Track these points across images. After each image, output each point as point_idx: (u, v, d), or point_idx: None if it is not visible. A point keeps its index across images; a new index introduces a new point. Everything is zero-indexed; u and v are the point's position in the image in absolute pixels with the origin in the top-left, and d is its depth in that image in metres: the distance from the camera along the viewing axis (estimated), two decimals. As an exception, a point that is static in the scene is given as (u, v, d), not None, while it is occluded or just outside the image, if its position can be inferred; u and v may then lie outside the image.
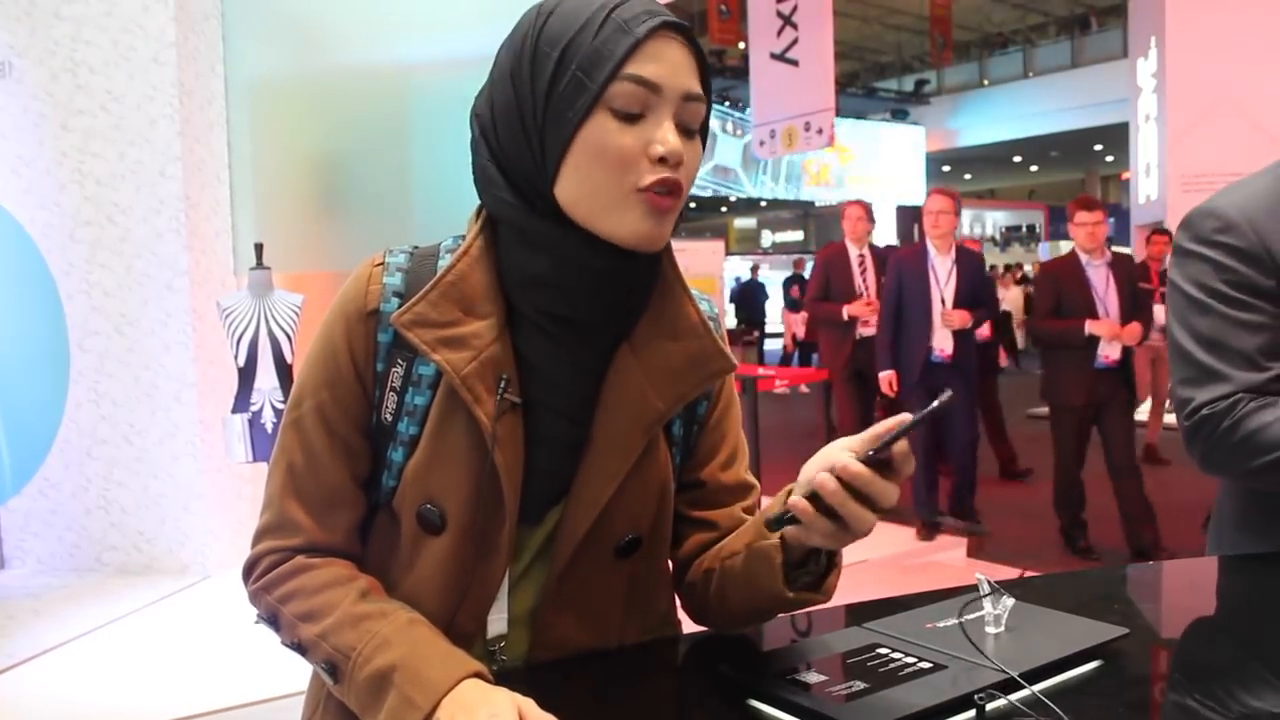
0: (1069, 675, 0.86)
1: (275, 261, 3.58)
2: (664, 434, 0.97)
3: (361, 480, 0.94)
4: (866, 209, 5.36)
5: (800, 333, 11.79)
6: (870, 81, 23.25)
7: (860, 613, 1.03)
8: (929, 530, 4.64)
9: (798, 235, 24.81)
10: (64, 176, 4.02)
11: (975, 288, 4.62)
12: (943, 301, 4.50)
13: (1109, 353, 4.16)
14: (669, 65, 0.84)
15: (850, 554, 0.95)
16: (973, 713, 0.77)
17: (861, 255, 5.23)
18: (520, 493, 0.90)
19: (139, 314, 4.01)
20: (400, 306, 0.89)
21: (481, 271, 0.90)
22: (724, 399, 1.04)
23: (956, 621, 0.92)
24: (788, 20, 8.17)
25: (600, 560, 0.94)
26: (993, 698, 0.77)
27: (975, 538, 4.64)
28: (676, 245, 0.96)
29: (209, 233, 4.12)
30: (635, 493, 0.93)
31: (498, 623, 0.94)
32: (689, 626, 1.06)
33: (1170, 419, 5.01)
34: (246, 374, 3.38)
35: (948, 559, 4.42)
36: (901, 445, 0.80)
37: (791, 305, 13.86)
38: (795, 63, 8.12)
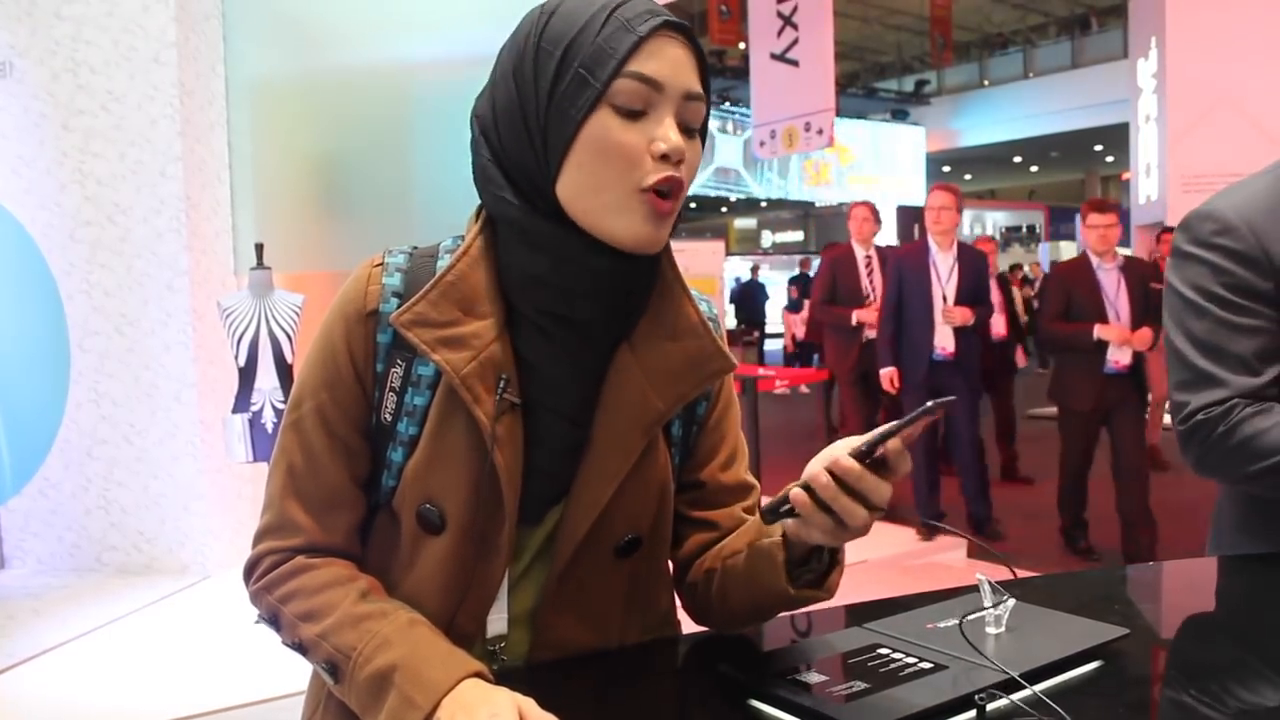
0: (1069, 675, 0.86)
1: (276, 261, 3.58)
2: (663, 434, 0.97)
3: (361, 481, 0.94)
4: (872, 209, 5.33)
5: (800, 333, 11.79)
6: (870, 82, 23.25)
7: (861, 613, 1.03)
8: (929, 531, 4.63)
9: (798, 235, 24.81)
10: (64, 176, 4.02)
11: (977, 285, 4.56)
12: (944, 299, 4.45)
13: (1119, 358, 4.10)
14: (671, 64, 0.85)
15: (851, 554, 0.95)
16: (973, 713, 0.77)
17: (868, 256, 5.20)
18: (520, 493, 0.90)
19: (139, 314, 4.01)
20: (399, 307, 0.89)
21: (481, 271, 0.90)
22: (723, 400, 1.04)
23: (957, 622, 0.92)
24: (788, 20, 8.17)
25: (600, 560, 0.94)
26: (993, 698, 0.77)
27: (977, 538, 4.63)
28: (676, 246, 0.96)
29: (209, 233, 4.12)
30: (635, 493, 0.93)
31: (498, 623, 0.94)
32: (689, 626, 1.06)
33: (1170, 420, 4.99)
34: (247, 374, 3.38)
35: (948, 559, 4.42)
36: (895, 444, 0.80)
37: (792, 306, 13.86)
38: (795, 63, 8.13)
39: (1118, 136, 12.47)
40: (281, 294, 3.48)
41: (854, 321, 5.02)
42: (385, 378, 0.92)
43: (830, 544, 0.86)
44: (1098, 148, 20.97)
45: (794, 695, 0.81)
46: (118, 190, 3.99)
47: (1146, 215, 8.59)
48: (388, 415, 0.92)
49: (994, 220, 22.26)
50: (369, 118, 4.24)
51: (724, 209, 23.82)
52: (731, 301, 15.57)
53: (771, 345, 15.96)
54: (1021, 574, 1.14)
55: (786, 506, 0.83)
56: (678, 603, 1.06)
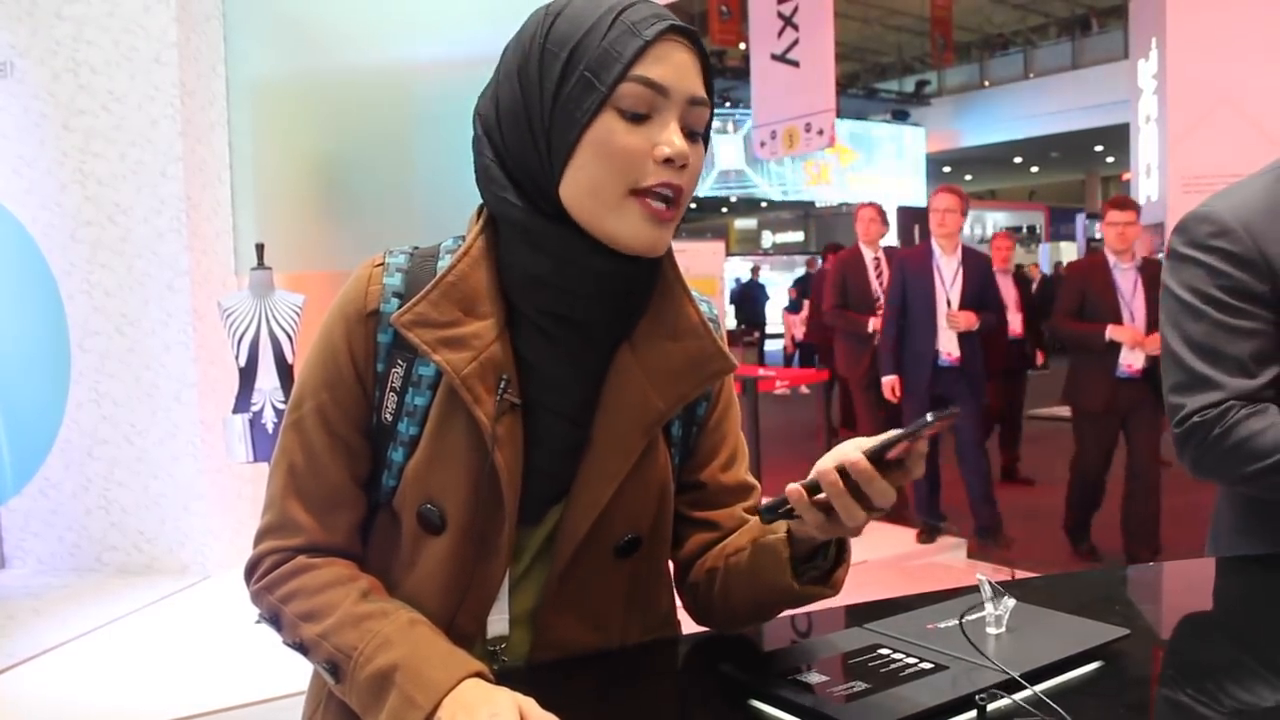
0: (1070, 676, 0.86)
1: (276, 262, 3.58)
2: (663, 435, 0.97)
3: (362, 480, 0.94)
4: (879, 210, 5.27)
5: (800, 334, 11.79)
6: (871, 82, 23.25)
7: (861, 613, 1.03)
8: (929, 533, 4.61)
9: (798, 236, 24.82)
10: (65, 176, 4.02)
11: (982, 289, 4.44)
12: (948, 303, 4.34)
13: (1131, 361, 3.98)
14: (676, 68, 0.85)
15: (851, 555, 0.95)
16: (974, 713, 0.77)
17: (876, 258, 5.14)
18: (520, 493, 0.90)
19: (140, 314, 4.01)
20: (400, 307, 0.89)
21: (482, 272, 0.90)
22: (723, 400, 1.04)
23: (957, 622, 0.92)
24: (788, 21, 8.16)
25: (600, 560, 0.94)
26: (994, 698, 0.77)
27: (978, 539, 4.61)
28: (677, 246, 0.96)
29: (210, 233, 4.12)
30: (635, 493, 0.93)
31: (499, 623, 0.94)
32: (689, 627, 1.06)
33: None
34: (247, 374, 3.38)
35: (949, 560, 4.42)
36: (920, 445, 0.79)
37: (792, 307, 13.86)
38: (796, 64, 8.12)
39: (1118, 137, 12.46)
40: (282, 294, 3.48)
41: (870, 329, 4.93)
42: (386, 378, 0.92)
43: (820, 537, 0.86)
44: (1098, 148, 20.97)
45: (794, 695, 0.81)
46: (118, 190, 3.99)
47: (1147, 216, 8.56)
48: (388, 415, 0.92)
49: (994, 221, 22.26)
50: (369, 118, 4.24)
51: (724, 209, 23.82)
52: (732, 302, 15.56)
53: (772, 346, 15.97)
54: (1022, 575, 1.14)
55: (786, 507, 0.83)
56: (678, 603, 1.06)
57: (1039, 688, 0.80)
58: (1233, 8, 6.25)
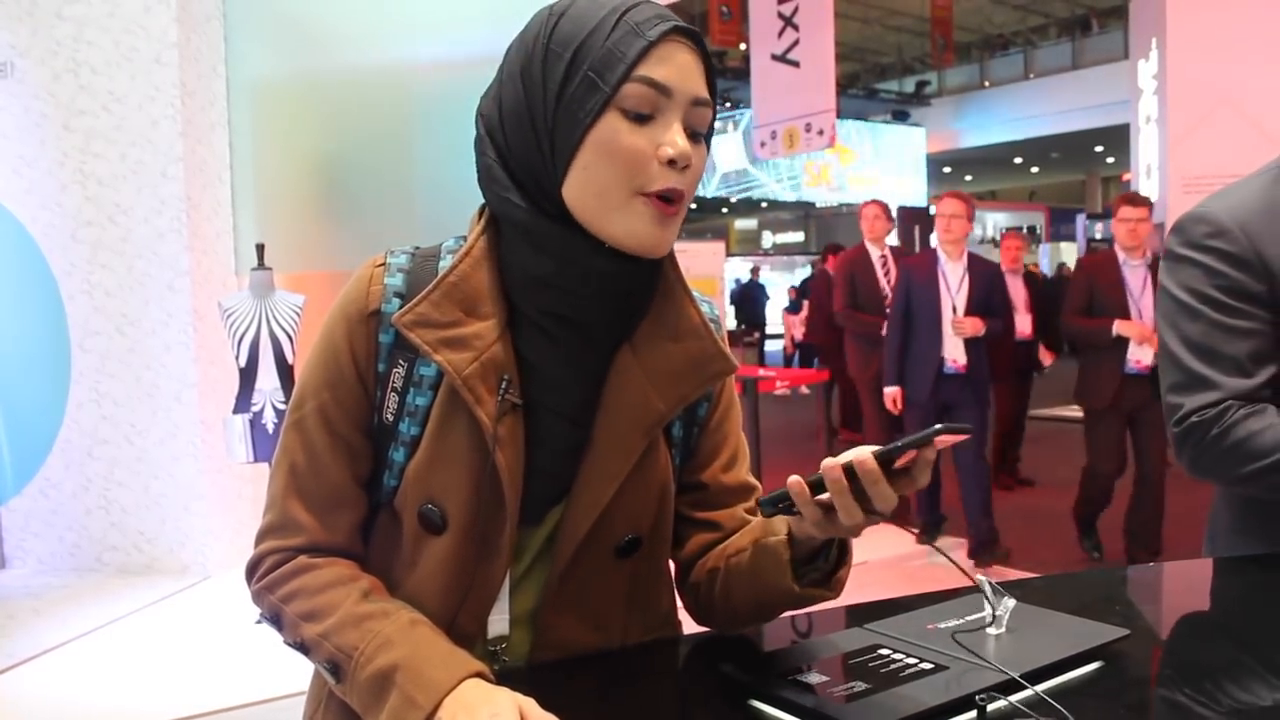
0: (1070, 676, 0.86)
1: (276, 262, 3.58)
2: (664, 435, 0.97)
3: (363, 480, 0.94)
4: (884, 208, 5.22)
5: (799, 334, 11.79)
6: (871, 83, 23.25)
7: (861, 614, 1.03)
8: (929, 535, 4.61)
9: (798, 236, 24.82)
10: (66, 177, 4.02)
11: (989, 296, 4.33)
12: (954, 309, 4.23)
13: (1140, 357, 3.93)
14: (679, 69, 0.85)
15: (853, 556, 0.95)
16: (974, 713, 0.77)
17: (883, 256, 5.10)
18: (521, 493, 0.90)
19: (140, 314, 4.01)
20: (402, 307, 0.89)
21: (484, 272, 0.90)
22: (724, 401, 1.04)
23: (958, 622, 0.92)
24: (789, 21, 8.17)
25: (601, 560, 0.94)
26: (994, 698, 0.78)
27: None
28: (677, 246, 0.96)
29: (210, 233, 4.12)
30: (635, 493, 0.94)
31: (499, 623, 0.94)
32: (690, 627, 1.06)
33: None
34: (247, 374, 3.38)
35: (949, 561, 4.41)
36: (925, 455, 0.79)
37: (791, 307, 13.87)
38: (796, 64, 8.12)
39: (1118, 137, 12.47)
40: (282, 294, 3.48)
41: (883, 331, 4.90)
42: (387, 378, 0.92)
43: (817, 536, 0.87)
44: (1098, 149, 20.98)
45: (795, 695, 0.81)
46: (119, 191, 3.99)
47: (1148, 216, 8.56)
48: (389, 415, 0.92)
49: (994, 221, 22.26)
50: (370, 118, 4.24)
51: (725, 210, 23.83)
52: (732, 303, 15.57)
53: (772, 346, 15.98)
54: (1022, 575, 1.14)
55: (785, 501, 0.83)
56: (679, 603, 1.06)
57: (1039, 688, 0.80)
58: (1233, 8, 6.25)
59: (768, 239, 25.83)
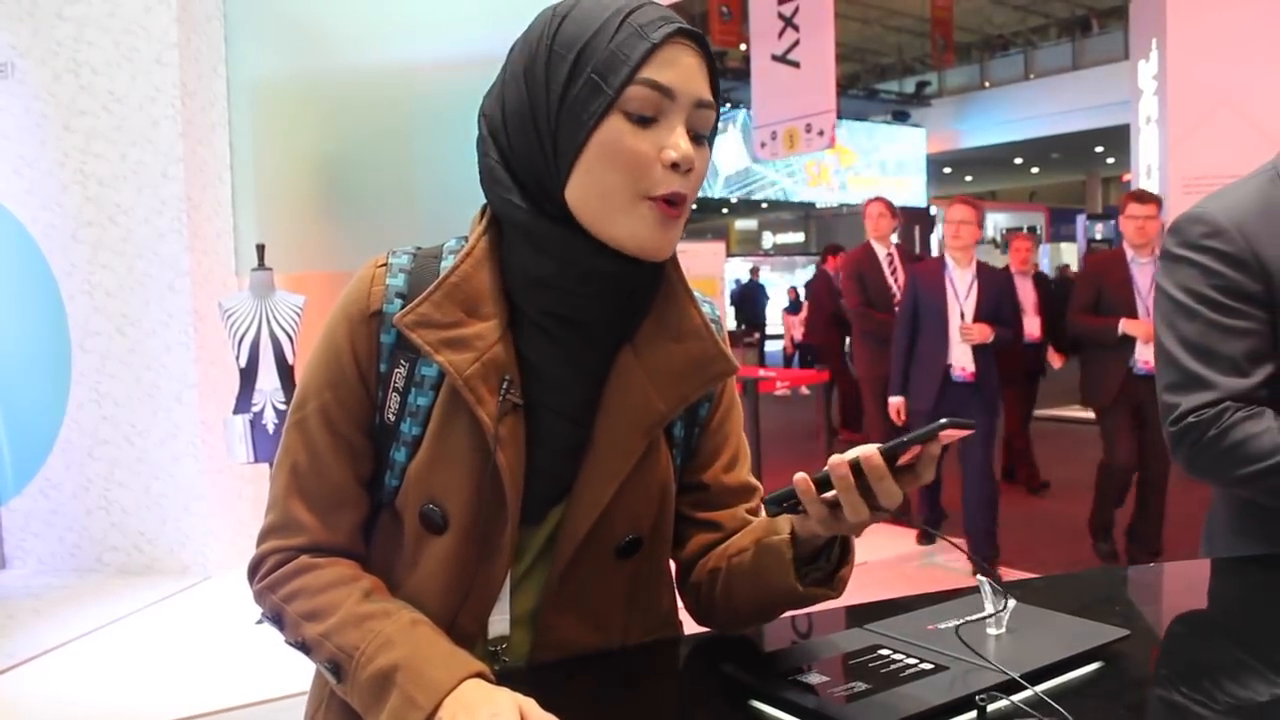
0: (1070, 676, 0.86)
1: (277, 262, 3.58)
2: (665, 435, 0.97)
3: (365, 480, 0.94)
4: (888, 205, 5.20)
5: (799, 335, 11.79)
6: (871, 83, 23.25)
7: (862, 614, 1.03)
8: (928, 536, 4.60)
9: (798, 237, 24.81)
10: (66, 177, 4.02)
11: (998, 303, 4.20)
12: (962, 316, 4.11)
13: (1147, 358, 3.85)
14: (683, 71, 0.85)
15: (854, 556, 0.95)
16: (974, 714, 0.78)
17: (889, 254, 5.09)
18: (522, 493, 0.90)
19: (140, 314, 4.01)
20: (403, 307, 0.89)
21: (485, 272, 0.90)
22: (725, 402, 1.04)
23: (958, 623, 0.92)
24: (789, 22, 8.17)
25: (601, 560, 0.94)
26: (994, 699, 0.78)
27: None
28: (678, 247, 0.96)
29: (211, 233, 4.12)
30: (636, 493, 0.94)
31: (500, 624, 0.94)
32: (690, 627, 1.06)
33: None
34: (248, 375, 3.39)
35: (949, 562, 4.42)
36: (930, 450, 0.80)
37: (791, 308, 13.87)
38: (796, 64, 8.12)
39: (1118, 138, 12.47)
40: (283, 295, 3.48)
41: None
42: (389, 378, 0.92)
43: (822, 533, 0.87)
44: (1098, 149, 20.98)
45: (795, 696, 0.81)
46: (119, 191, 3.99)
47: (1147, 217, 8.55)
48: (391, 415, 0.92)
49: (995, 222, 22.27)
50: (370, 119, 4.24)
51: (725, 210, 23.82)
52: (732, 303, 15.57)
53: (772, 346, 15.98)
54: (1022, 575, 1.14)
55: (791, 500, 0.83)
56: (679, 603, 1.06)
57: (1039, 688, 0.80)
58: (1233, 9, 6.25)
59: (768, 239, 25.82)
